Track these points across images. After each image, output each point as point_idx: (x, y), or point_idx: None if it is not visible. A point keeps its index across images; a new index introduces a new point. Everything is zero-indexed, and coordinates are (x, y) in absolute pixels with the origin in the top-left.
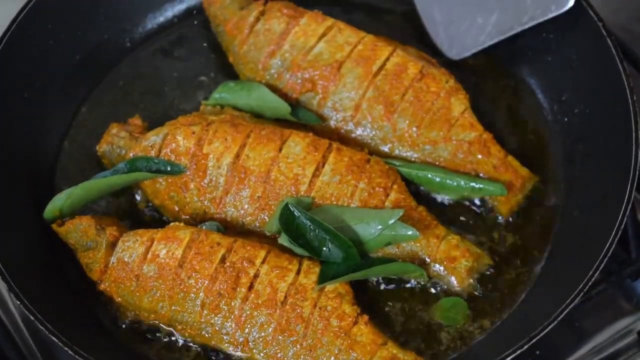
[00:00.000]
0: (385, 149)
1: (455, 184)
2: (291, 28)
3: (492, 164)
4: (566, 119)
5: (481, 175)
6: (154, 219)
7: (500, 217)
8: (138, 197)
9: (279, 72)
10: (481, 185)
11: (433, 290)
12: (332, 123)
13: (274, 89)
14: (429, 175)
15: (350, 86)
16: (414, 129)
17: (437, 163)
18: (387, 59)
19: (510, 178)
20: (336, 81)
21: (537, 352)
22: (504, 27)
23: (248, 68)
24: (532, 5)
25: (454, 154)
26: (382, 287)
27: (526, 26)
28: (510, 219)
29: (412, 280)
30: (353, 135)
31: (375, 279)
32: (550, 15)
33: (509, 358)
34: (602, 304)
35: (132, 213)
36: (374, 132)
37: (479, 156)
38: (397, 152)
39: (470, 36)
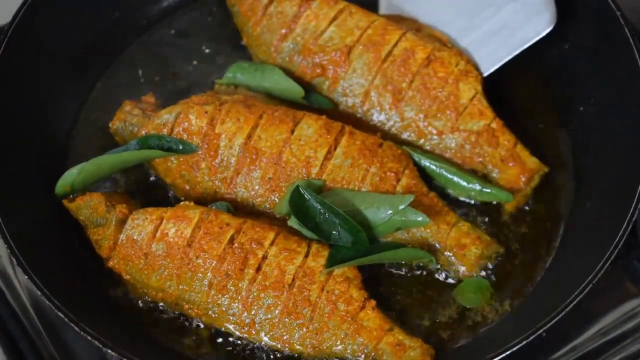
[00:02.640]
0: (395, 134)
1: (464, 183)
2: (303, 11)
3: (499, 156)
4: (581, 108)
5: (489, 167)
6: (165, 197)
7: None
8: (150, 176)
9: (291, 56)
10: (489, 190)
11: (442, 277)
12: (342, 109)
13: (287, 72)
14: (441, 171)
15: (359, 72)
16: (421, 117)
17: (444, 154)
18: (396, 43)
19: (517, 172)
20: (345, 67)
21: (544, 334)
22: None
23: (261, 50)
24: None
25: (461, 146)
26: (391, 272)
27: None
28: (523, 208)
29: (421, 266)
30: (364, 121)
31: (384, 264)
32: (530, 42)
33: (516, 348)
34: (609, 287)
35: (143, 191)
36: (382, 120)
37: (487, 148)
38: (404, 142)
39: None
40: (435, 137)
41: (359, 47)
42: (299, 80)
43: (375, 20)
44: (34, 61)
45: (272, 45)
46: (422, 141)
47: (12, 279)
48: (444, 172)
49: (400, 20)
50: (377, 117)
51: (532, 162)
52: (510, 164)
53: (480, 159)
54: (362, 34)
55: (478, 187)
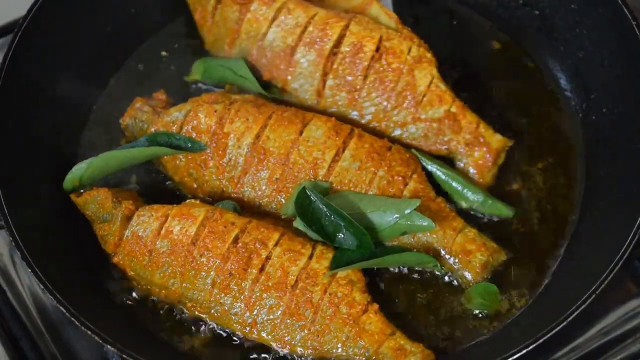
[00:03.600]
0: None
1: (470, 194)
2: (244, 15)
3: (464, 141)
4: (594, 117)
5: (455, 152)
6: (172, 195)
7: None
8: (158, 173)
9: None
10: (491, 202)
11: (446, 282)
12: (304, 106)
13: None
14: (447, 178)
15: (306, 72)
16: (381, 111)
17: (411, 144)
18: (341, 38)
19: (483, 154)
20: (291, 68)
21: None
22: None
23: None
24: None
25: (424, 135)
26: (395, 276)
27: None
28: (529, 215)
29: (426, 271)
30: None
31: (388, 268)
32: None
33: (516, 356)
34: (610, 287)
35: (150, 188)
36: (342, 118)
37: (450, 134)
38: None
39: None
40: (398, 129)
41: (302, 47)
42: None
43: (315, 14)
44: (47, 56)
45: (223, 52)
46: (386, 134)
47: (13, 278)
48: (450, 181)
49: None
50: (336, 116)
51: (496, 141)
52: (476, 148)
53: (446, 146)
54: (303, 32)
55: (481, 199)
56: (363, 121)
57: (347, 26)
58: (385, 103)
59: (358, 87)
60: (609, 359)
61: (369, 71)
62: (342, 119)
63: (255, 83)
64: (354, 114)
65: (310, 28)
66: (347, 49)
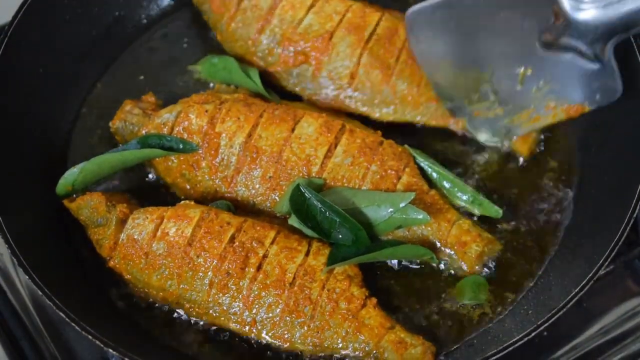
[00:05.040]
0: (389, 110)
1: (459, 194)
2: (278, 2)
3: None
4: None
5: None
6: (166, 196)
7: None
8: (150, 175)
9: (270, 48)
10: (480, 201)
11: (443, 275)
12: (330, 92)
13: (267, 64)
14: (439, 177)
15: (343, 54)
16: (415, 88)
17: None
18: (377, 24)
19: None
20: (329, 51)
21: (545, 333)
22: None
23: (238, 45)
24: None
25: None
26: (392, 270)
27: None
28: (521, 208)
29: (422, 264)
30: (351, 101)
31: (384, 262)
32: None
33: (517, 345)
34: (610, 285)
35: (143, 190)
36: (373, 96)
37: None
38: (400, 114)
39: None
40: (432, 103)
41: (341, 31)
42: (280, 70)
43: (353, 4)
44: (34, 61)
45: (249, 40)
46: (417, 112)
47: (13, 277)
48: (441, 179)
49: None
50: (367, 95)
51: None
52: None
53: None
54: (342, 18)
55: (470, 198)
56: (397, 96)
57: (382, 16)
58: (417, 77)
59: (391, 65)
60: (608, 358)
61: (402, 51)
62: (368, 106)
63: (262, 89)
64: (386, 91)
65: (349, 15)
66: (383, 32)
